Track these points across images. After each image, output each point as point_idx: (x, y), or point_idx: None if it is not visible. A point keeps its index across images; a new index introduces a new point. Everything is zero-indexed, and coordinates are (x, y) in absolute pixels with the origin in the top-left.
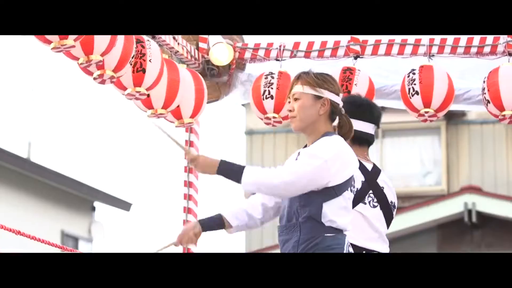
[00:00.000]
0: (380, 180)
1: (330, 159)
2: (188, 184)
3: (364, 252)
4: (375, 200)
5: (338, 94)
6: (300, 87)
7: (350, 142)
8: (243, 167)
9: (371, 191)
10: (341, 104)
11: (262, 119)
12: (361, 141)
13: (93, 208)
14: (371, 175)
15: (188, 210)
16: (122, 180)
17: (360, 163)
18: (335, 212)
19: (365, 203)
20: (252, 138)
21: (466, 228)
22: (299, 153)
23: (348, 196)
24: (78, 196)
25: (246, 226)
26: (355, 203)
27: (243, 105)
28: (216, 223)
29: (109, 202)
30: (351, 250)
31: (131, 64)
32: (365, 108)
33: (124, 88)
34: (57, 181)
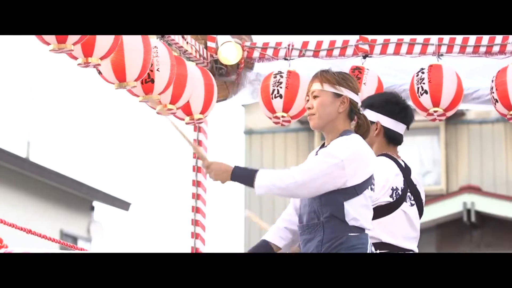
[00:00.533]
0: (413, 178)
1: (347, 159)
2: (197, 183)
3: (401, 252)
4: (412, 198)
5: (357, 93)
6: (319, 84)
7: (386, 141)
8: (256, 170)
9: (408, 189)
10: (360, 103)
11: (271, 118)
12: (395, 141)
13: (92, 208)
14: (406, 172)
15: (196, 210)
16: (121, 180)
17: (397, 162)
18: (357, 211)
19: (406, 201)
20: (251, 138)
21: (465, 228)
22: (316, 152)
23: (369, 194)
24: (77, 196)
25: (292, 241)
26: (400, 203)
27: (243, 105)
28: (264, 250)
29: (108, 202)
30: (373, 249)
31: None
32: (402, 109)
33: (136, 96)
34: (56, 180)
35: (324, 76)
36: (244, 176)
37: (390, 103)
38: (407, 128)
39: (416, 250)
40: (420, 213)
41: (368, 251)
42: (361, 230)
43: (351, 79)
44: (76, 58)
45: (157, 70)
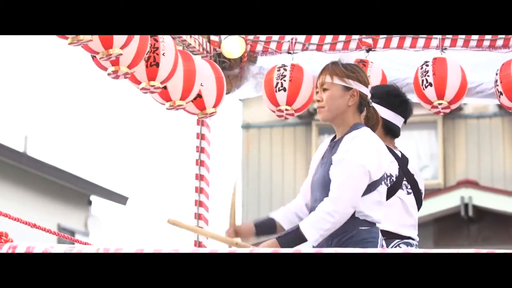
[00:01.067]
0: (410, 168)
1: (367, 162)
2: (200, 177)
3: (400, 239)
4: (409, 186)
5: (367, 86)
6: (329, 77)
7: (384, 133)
8: (298, 228)
9: (404, 178)
10: (369, 95)
11: (274, 111)
12: (393, 133)
13: (90, 202)
14: (402, 161)
15: (199, 203)
16: (119, 174)
17: (393, 152)
18: (369, 207)
19: (402, 189)
20: (248, 132)
21: (463, 222)
22: (330, 147)
23: (382, 190)
24: (74, 190)
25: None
26: (395, 190)
27: (240, 99)
28: (268, 227)
29: (105, 196)
30: (384, 243)
31: (144, 60)
32: (402, 102)
33: (138, 82)
34: (54, 175)
35: (333, 69)
36: (292, 240)
37: (391, 96)
38: (405, 122)
39: (417, 238)
40: (419, 203)
41: (379, 245)
42: (371, 224)
43: (361, 72)
44: (97, 53)
45: (162, 54)
